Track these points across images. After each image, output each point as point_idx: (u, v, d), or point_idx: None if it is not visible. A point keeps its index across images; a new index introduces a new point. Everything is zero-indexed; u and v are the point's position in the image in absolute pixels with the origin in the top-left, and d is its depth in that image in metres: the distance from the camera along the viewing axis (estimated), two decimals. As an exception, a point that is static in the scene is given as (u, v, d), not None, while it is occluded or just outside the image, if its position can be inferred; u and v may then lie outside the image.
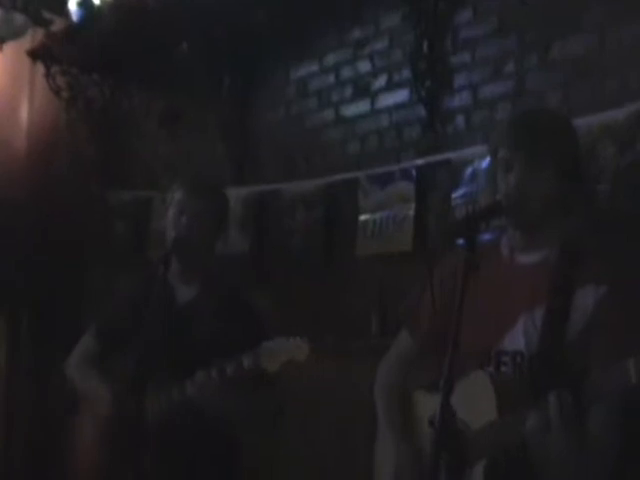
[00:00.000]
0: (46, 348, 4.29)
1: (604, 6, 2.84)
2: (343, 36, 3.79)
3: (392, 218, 3.43)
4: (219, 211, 2.49)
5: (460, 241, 1.66)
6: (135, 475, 2.19)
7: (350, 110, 3.73)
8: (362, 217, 3.53)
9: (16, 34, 4.38)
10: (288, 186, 3.81)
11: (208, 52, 3.94)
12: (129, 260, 4.24)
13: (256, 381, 2.18)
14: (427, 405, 1.77)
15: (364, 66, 3.70)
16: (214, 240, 2.49)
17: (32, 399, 4.29)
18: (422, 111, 3.40)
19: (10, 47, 4.62)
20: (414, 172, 3.39)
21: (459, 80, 3.33)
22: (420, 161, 3.37)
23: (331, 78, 3.84)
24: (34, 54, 4.38)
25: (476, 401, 1.67)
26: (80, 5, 4.10)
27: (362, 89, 3.69)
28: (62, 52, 4.28)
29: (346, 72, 3.78)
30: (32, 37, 4.49)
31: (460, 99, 3.32)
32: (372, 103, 3.65)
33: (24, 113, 4.88)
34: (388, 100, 3.59)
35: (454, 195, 3.21)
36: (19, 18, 4.25)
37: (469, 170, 3.17)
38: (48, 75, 4.37)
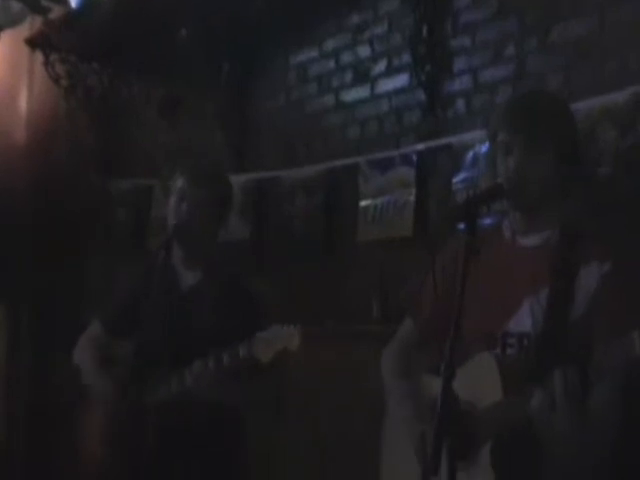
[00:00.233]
0: (46, 340, 4.31)
1: (604, -12, 2.82)
2: (342, 21, 3.77)
3: (392, 203, 3.42)
4: (221, 198, 2.48)
5: (461, 225, 1.65)
6: (136, 464, 2.20)
7: (350, 95, 3.72)
8: (362, 202, 3.52)
9: (14, 22, 4.37)
10: (288, 172, 3.81)
11: (207, 39, 3.92)
12: (130, 249, 4.24)
13: (252, 370, 2.19)
14: (433, 388, 1.77)
15: (364, 51, 3.69)
16: (216, 227, 2.49)
17: (32, 392, 4.30)
18: (422, 95, 3.39)
19: (8, 35, 4.62)
20: (414, 157, 3.38)
21: (459, 64, 3.31)
22: (420, 146, 3.36)
23: (331, 63, 3.83)
24: (33, 42, 4.37)
25: (482, 382, 1.68)
26: (78, -8, 4.09)
27: (362, 74, 3.68)
28: (61, 40, 4.26)
29: (346, 57, 3.76)
30: (30, 25, 4.49)
31: (460, 83, 3.31)
32: (372, 88, 3.64)
33: (23, 101, 4.87)
34: (388, 85, 3.57)
35: (455, 180, 3.20)
36: (16, 6, 4.25)
37: (470, 155, 3.16)
38: (47, 63, 4.35)
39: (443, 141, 3.29)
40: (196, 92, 4.23)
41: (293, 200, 3.75)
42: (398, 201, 3.39)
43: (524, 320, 1.74)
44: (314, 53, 3.89)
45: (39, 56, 4.42)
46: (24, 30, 4.49)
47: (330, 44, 3.83)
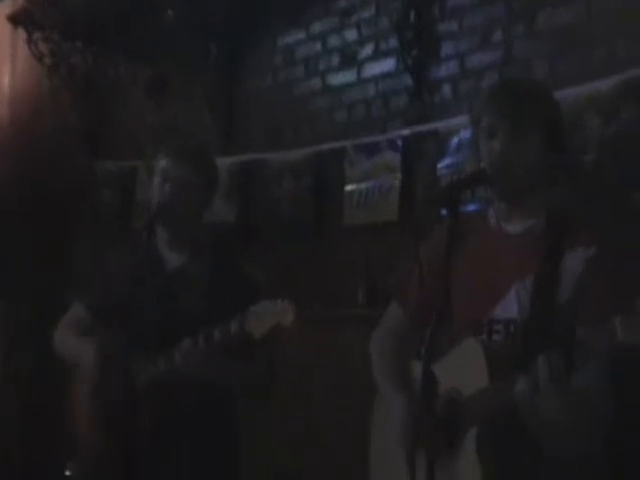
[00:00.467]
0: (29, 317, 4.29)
1: (591, -26, 2.83)
2: (330, 4, 3.76)
3: (378, 188, 3.43)
4: (205, 179, 2.46)
5: (444, 211, 1.65)
6: (127, 446, 2.20)
7: (337, 79, 3.72)
8: (348, 187, 3.53)
9: (-4, -2, 4.31)
10: (275, 155, 3.80)
11: (195, 19, 3.89)
12: (115, 231, 4.22)
13: (244, 347, 2.18)
14: (419, 374, 1.78)
15: (351, 34, 3.68)
16: (201, 208, 2.47)
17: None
18: (409, 80, 3.39)
19: (-9, 12, 4.55)
20: (400, 142, 3.38)
21: (446, 49, 3.32)
22: (406, 131, 3.37)
23: (318, 46, 3.82)
24: (15, 19, 4.31)
25: (468, 369, 1.69)
26: (63, -32, 4.04)
27: (349, 58, 3.67)
28: (44, 17, 4.20)
29: (333, 40, 3.75)
30: (13, 1, 4.42)
31: (447, 68, 3.31)
32: (359, 72, 3.64)
33: (6, 79, 4.82)
34: (375, 69, 3.57)
35: (440, 165, 3.21)
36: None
37: (455, 140, 3.17)
38: (30, 41, 4.31)
39: (429, 126, 3.30)
40: (183, 73, 4.20)
41: (280, 183, 3.75)
42: (383, 186, 3.40)
43: (511, 306, 1.75)
44: (301, 35, 3.88)
45: (22, 33, 4.37)
46: (6, 7, 4.43)
47: (317, 27, 3.82)
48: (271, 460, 3.47)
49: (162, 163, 2.41)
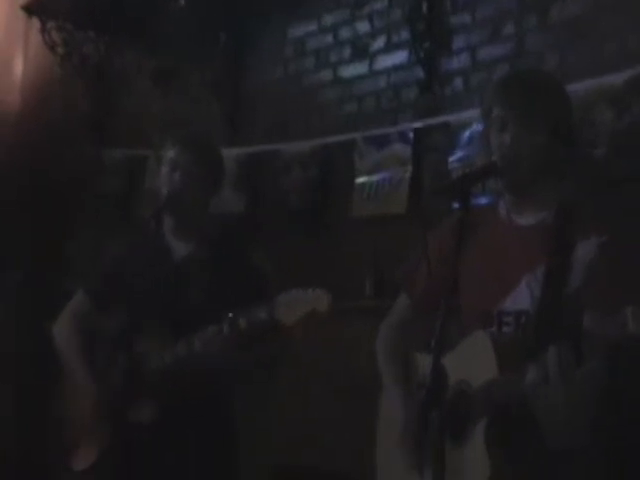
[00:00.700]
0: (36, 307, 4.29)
1: (604, -33, 2.81)
2: (341, -4, 3.75)
3: (388, 180, 3.43)
4: (213, 167, 2.47)
5: (454, 202, 1.65)
6: (130, 436, 2.21)
7: (348, 71, 3.71)
8: (358, 179, 3.52)
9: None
10: (285, 146, 3.80)
11: (204, 9, 3.89)
12: (122, 220, 4.23)
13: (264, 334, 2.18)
14: (426, 366, 1.78)
15: (362, 26, 3.67)
16: (209, 197, 2.48)
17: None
18: (420, 73, 3.38)
19: (5, 1, 4.57)
20: (411, 134, 3.38)
21: (458, 41, 3.31)
22: (417, 123, 3.36)
23: (329, 38, 3.81)
24: (29, 9, 4.33)
25: (477, 361, 1.69)
26: (75, -41, 4.05)
27: (360, 50, 3.66)
28: (58, 7, 4.22)
29: (344, 32, 3.74)
30: (27, -9, 4.43)
31: (459, 61, 3.30)
32: (370, 64, 3.63)
33: (18, 68, 4.84)
34: (386, 61, 3.56)
35: (451, 158, 3.21)
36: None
37: (466, 133, 3.16)
38: (43, 30, 4.32)
39: (440, 119, 3.29)
40: (192, 63, 4.20)
41: (289, 174, 3.75)
42: (393, 178, 3.40)
43: (521, 298, 1.74)
44: (313, 27, 3.87)
45: (35, 23, 4.39)
46: (20, -4, 4.44)
47: (329, 19, 3.81)
48: (271, 459, 3.47)
49: (170, 153, 2.42)
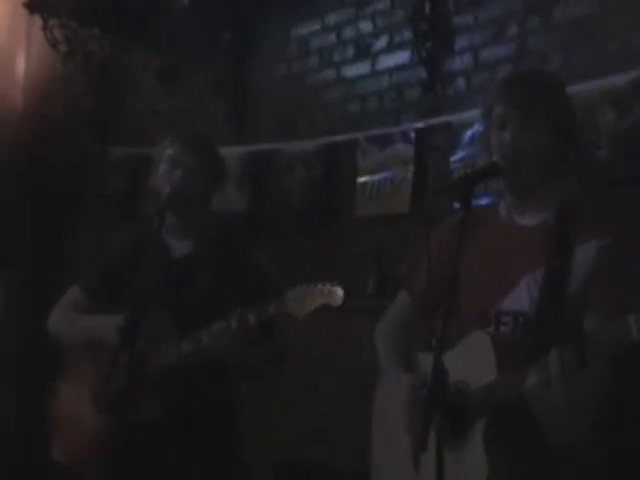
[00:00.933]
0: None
1: (608, -32, 2.81)
2: (345, -5, 3.75)
3: (390, 180, 3.43)
4: (213, 165, 2.47)
5: (456, 202, 1.65)
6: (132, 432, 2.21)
7: (351, 70, 3.71)
8: (360, 178, 3.53)
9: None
10: (288, 145, 3.80)
11: (208, 7, 3.89)
12: (124, 218, 4.23)
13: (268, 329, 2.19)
14: (426, 365, 1.79)
15: (365, 26, 3.67)
16: (210, 194, 2.48)
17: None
18: (423, 73, 3.38)
19: (7, -2, 4.57)
20: (413, 134, 3.38)
21: (461, 42, 3.31)
22: (420, 123, 3.36)
23: (332, 37, 3.81)
24: (31, 6, 4.33)
25: (476, 361, 1.69)
26: (79, -44, 4.05)
27: (363, 49, 3.67)
28: (60, 4, 4.22)
29: (347, 32, 3.75)
30: (29, -12, 4.43)
31: (461, 61, 3.30)
32: (373, 64, 3.63)
33: (21, 65, 4.84)
34: (389, 61, 3.56)
35: (453, 158, 3.21)
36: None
37: (469, 133, 3.16)
38: (46, 28, 4.32)
39: (442, 119, 3.29)
40: (196, 62, 4.20)
41: (292, 173, 3.75)
42: (396, 178, 3.40)
43: (520, 298, 1.75)
44: (316, 26, 3.88)
45: (38, 20, 4.39)
46: (22, -7, 4.44)
47: (332, 18, 3.81)
48: (278, 455, 3.48)
49: (168, 150, 2.41)
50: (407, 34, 3.46)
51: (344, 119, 3.69)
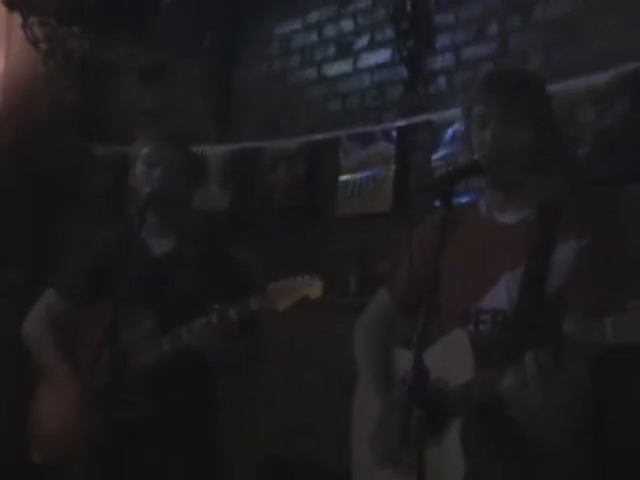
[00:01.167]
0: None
1: (588, -33, 2.83)
2: (326, -6, 3.75)
3: (372, 178, 3.43)
4: (192, 162, 2.47)
5: (437, 201, 1.65)
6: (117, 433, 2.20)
7: (332, 69, 3.71)
8: (342, 177, 3.53)
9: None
10: (270, 144, 3.79)
11: (192, 6, 3.88)
12: (109, 217, 4.21)
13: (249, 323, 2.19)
14: (405, 362, 1.79)
15: (347, 25, 3.67)
16: (190, 192, 2.48)
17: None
18: (404, 71, 3.39)
19: (-14, -4, 4.52)
20: (395, 133, 3.38)
21: (442, 40, 3.31)
22: (401, 122, 3.37)
23: (314, 36, 3.81)
24: (10, 3, 4.29)
25: (455, 359, 1.70)
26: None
27: (345, 48, 3.67)
28: (39, 2, 4.19)
29: (329, 30, 3.74)
30: (9, -15, 4.39)
31: (443, 60, 3.31)
32: (354, 62, 3.63)
33: (0, 64, 4.80)
34: (370, 59, 3.57)
35: (435, 157, 3.21)
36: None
37: (450, 132, 3.17)
38: (25, 26, 4.29)
39: (424, 117, 3.30)
40: (179, 59, 4.18)
41: (274, 171, 3.74)
42: (377, 176, 3.41)
43: (499, 296, 1.75)
44: (298, 25, 3.87)
45: (17, 18, 4.35)
46: (2, -10, 4.40)
47: (314, 16, 3.81)
48: (262, 450, 3.48)
49: (144, 150, 2.39)
50: (388, 33, 3.46)
51: (326, 117, 3.69)
